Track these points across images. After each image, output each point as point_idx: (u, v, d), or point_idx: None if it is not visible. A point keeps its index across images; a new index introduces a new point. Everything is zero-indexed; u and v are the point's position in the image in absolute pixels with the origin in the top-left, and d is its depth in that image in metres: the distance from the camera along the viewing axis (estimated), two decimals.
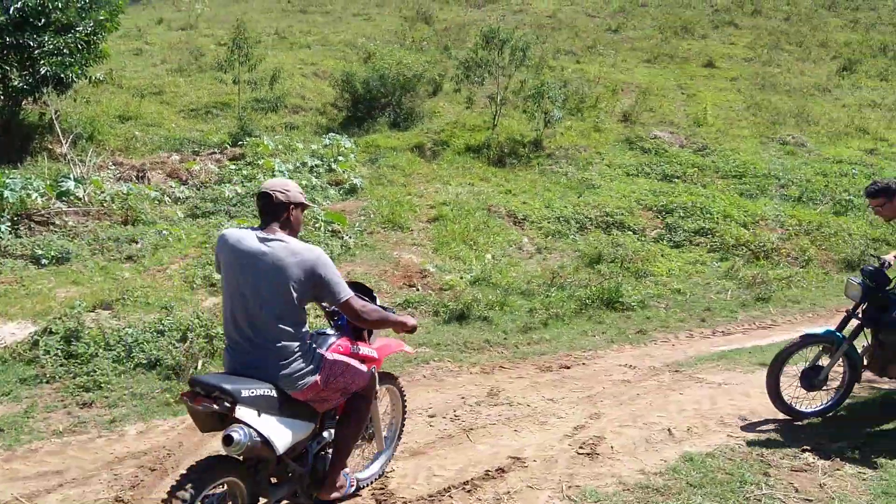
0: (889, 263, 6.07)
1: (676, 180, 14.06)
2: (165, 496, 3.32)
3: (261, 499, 3.81)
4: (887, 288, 5.92)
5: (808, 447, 5.44)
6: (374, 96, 15.65)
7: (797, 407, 5.97)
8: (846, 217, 12.91)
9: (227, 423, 3.53)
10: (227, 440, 3.44)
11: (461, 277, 9.58)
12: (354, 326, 4.35)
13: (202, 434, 4.75)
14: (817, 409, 6.00)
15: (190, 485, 3.36)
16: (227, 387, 3.50)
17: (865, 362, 6.13)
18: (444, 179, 13.14)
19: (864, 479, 5.00)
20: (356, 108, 15.78)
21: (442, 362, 7.33)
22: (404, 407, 5.11)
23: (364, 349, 4.39)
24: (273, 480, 3.96)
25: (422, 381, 6.85)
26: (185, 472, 3.45)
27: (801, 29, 23.75)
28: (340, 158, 12.80)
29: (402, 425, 5.13)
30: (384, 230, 10.86)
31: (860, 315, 6.00)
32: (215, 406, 3.47)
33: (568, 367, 7.28)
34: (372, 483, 4.77)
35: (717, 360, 7.44)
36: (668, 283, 9.90)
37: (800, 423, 5.91)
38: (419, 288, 9.21)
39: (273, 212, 3.86)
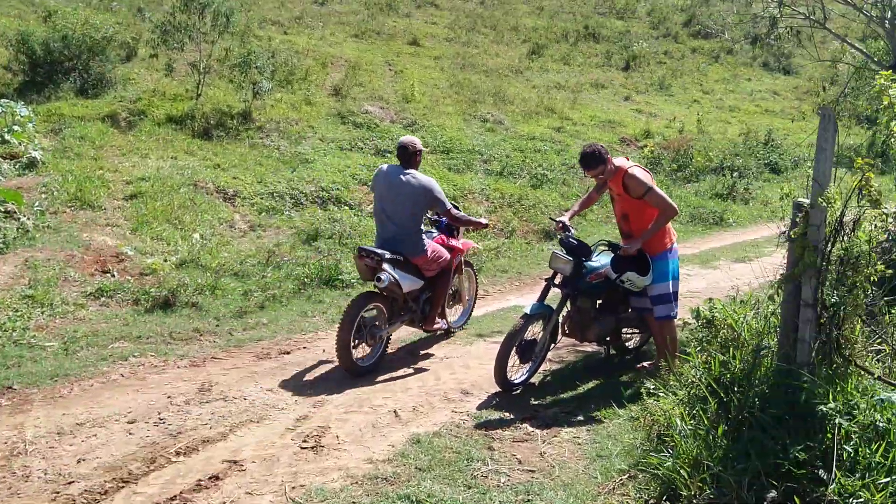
0: (565, 225, 6.27)
1: (389, 155, 13.90)
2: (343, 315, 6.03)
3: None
4: (588, 259, 6.07)
5: (528, 416, 5.41)
6: (57, 59, 13.69)
7: (510, 378, 5.96)
8: (542, 190, 13.58)
9: (377, 272, 6.12)
10: (378, 280, 6.13)
11: (165, 260, 8.59)
12: (449, 227, 7.13)
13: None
14: (523, 378, 6.03)
15: (356, 305, 6.16)
16: (378, 251, 6.20)
17: (567, 329, 6.28)
18: (142, 153, 11.82)
19: (579, 444, 5.05)
20: (35, 73, 13.73)
21: (144, 357, 6.42)
22: (477, 283, 8.03)
23: (453, 242, 7.07)
24: (401, 313, 6.57)
25: (119, 382, 5.92)
26: (352, 299, 6.37)
27: (494, 13, 24.81)
28: (16, 128, 10.99)
29: (476, 294, 7.95)
30: (71, 209, 9.46)
31: (559, 284, 6.12)
32: (370, 261, 6.16)
33: (288, 353, 6.72)
34: (457, 328, 7.45)
35: (439, 335, 7.31)
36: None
37: (516, 392, 5.89)
38: (115, 274, 8.10)
39: (408, 157, 6.56)
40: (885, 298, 4.65)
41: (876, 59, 7.30)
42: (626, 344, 6.75)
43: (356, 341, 6.12)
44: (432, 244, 6.64)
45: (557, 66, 22.49)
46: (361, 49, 20.12)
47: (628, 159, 6.07)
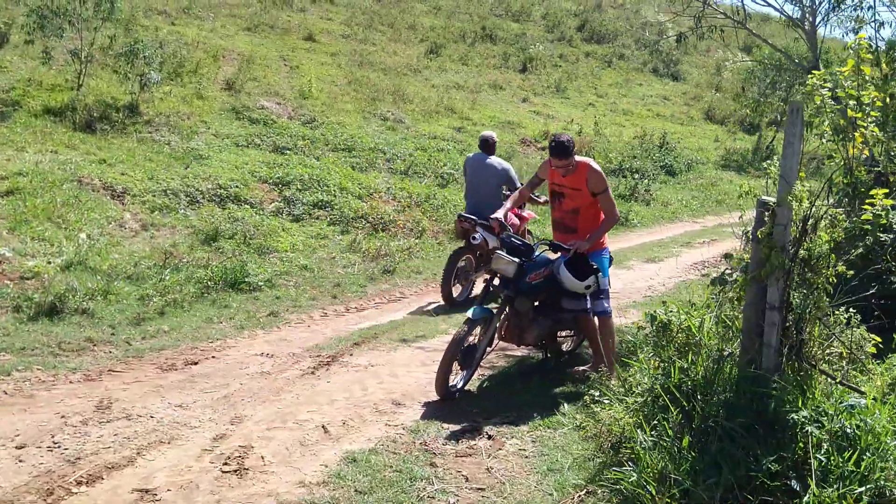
0: (502, 223, 6.04)
1: (288, 152, 13.27)
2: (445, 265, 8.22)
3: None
4: (530, 260, 5.78)
5: (466, 427, 5.03)
6: None
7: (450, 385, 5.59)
8: (448, 189, 13.28)
9: (471, 233, 7.97)
10: (473, 238, 7.89)
11: (49, 262, 7.73)
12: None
13: None
14: (460, 384, 5.67)
15: (453, 258, 8.34)
16: (473, 217, 8.11)
17: (504, 333, 5.96)
18: (18, 146, 10.75)
19: (526, 458, 4.70)
20: None
21: (30, 371, 5.65)
22: None
23: (523, 212, 8.89)
24: (482, 264, 8.08)
25: (2, 401, 5.16)
26: (450, 254, 8.54)
27: (391, 11, 24.39)
28: None
29: None
30: None
31: (499, 285, 5.80)
32: (467, 224, 8.13)
33: (196, 363, 6.08)
34: None
35: (358, 339, 6.82)
36: (294, 259, 9.09)
37: (451, 400, 5.50)
38: None
39: (489, 147, 8.79)
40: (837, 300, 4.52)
41: (797, 60, 7.32)
42: (561, 347, 6.48)
43: (454, 282, 8.23)
44: (506, 213, 7.23)
45: (456, 66, 22.30)
46: (255, 43, 19.29)
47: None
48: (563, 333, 6.38)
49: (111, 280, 7.56)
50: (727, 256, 7.11)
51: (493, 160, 8.65)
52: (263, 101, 15.46)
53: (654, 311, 4.58)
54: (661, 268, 10.34)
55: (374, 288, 8.69)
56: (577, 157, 5.74)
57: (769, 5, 6.88)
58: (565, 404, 5.32)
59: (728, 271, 6.80)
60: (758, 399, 3.84)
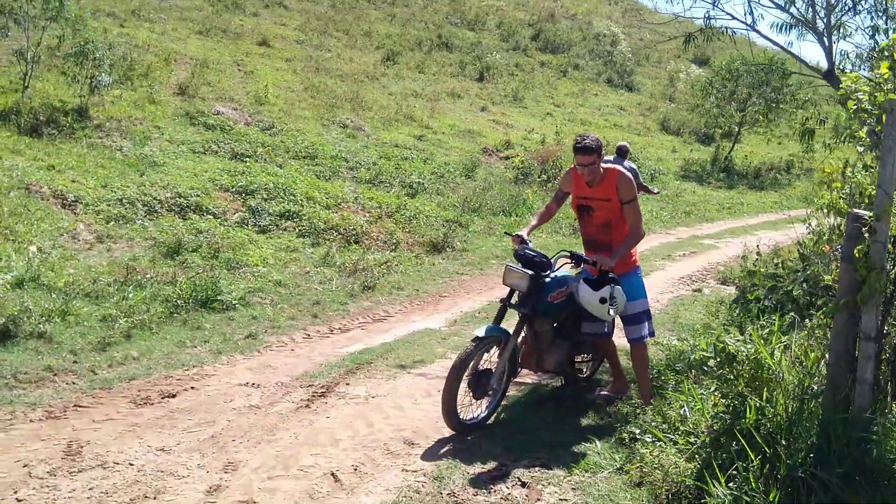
0: (522, 239, 5.42)
1: (248, 159, 12.50)
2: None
3: None
4: (549, 273, 5.22)
5: (495, 473, 4.41)
6: None
7: (462, 418, 4.95)
8: (418, 199, 12.68)
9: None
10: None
11: None
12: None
13: None
14: (479, 418, 5.05)
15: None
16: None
17: (520, 358, 5.39)
18: None
19: None
20: None
21: None
22: None
23: None
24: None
25: None
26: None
27: (346, 17, 23.69)
28: None
29: None
30: None
31: (516, 304, 5.22)
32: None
33: (173, 396, 5.32)
34: None
35: (351, 366, 6.14)
36: (267, 275, 8.34)
37: (469, 437, 4.88)
38: None
39: (623, 153, 10.33)
40: None
41: (810, 66, 6.94)
42: (578, 372, 5.92)
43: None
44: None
45: (413, 73, 21.73)
46: (207, 47, 18.40)
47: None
48: (581, 357, 5.83)
49: (69, 299, 6.72)
50: (751, 273, 6.71)
51: (626, 164, 9.62)
52: (219, 107, 14.64)
53: (722, 339, 4.01)
54: (650, 283, 9.86)
55: (356, 306, 8.01)
56: (604, 164, 5.21)
57: (777, 6, 6.49)
58: (597, 441, 4.75)
59: (752, 287, 6.37)
60: (854, 444, 3.32)
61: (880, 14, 6.26)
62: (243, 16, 21.63)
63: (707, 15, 6.71)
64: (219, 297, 7.30)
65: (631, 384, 5.59)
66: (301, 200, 10.92)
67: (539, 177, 15.25)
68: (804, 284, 5.48)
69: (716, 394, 3.97)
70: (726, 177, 19.94)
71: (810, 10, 6.57)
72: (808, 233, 9.77)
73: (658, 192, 12.89)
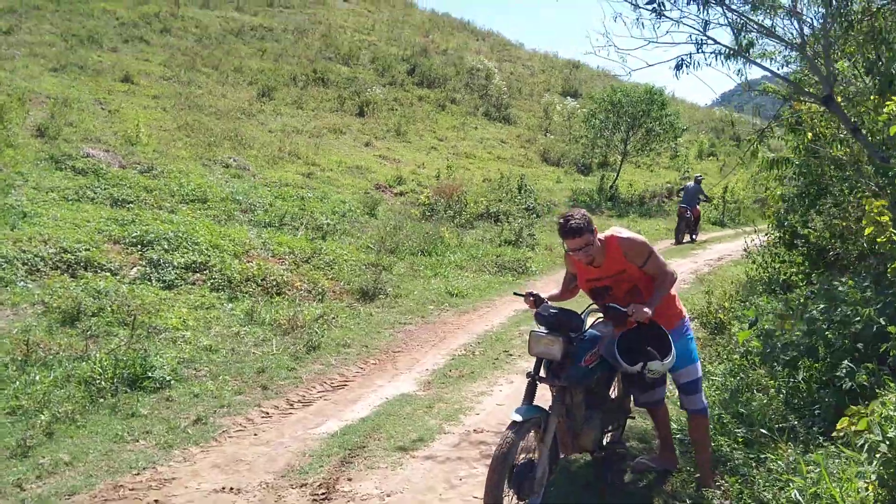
0: (537, 297, 4.45)
1: (132, 206, 10.91)
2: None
3: None
4: (579, 334, 4.24)
5: None
6: None
7: None
8: (329, 242, 11.48)
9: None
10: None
11: None
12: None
13: None
14: None
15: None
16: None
17: None
18: None
19: None
20: None
21: None
22: None
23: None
24: None
25: None
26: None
27: (214, 52, 22.10)
28: None
29: None
30: None
31: (547, 376, 4.22)
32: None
33: None
34: None
35: (341, 453, 4.91)
36: (193, 340, 6.94)
37: None
38: None
39: (698, 181, 17.39)
40: None
41: (806, 90, 6.44)
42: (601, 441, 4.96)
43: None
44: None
45: (290, 109, 20.50)
46: (64, 84, 16.44)
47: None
48: (610, 427, 4.87)
49: None
50: (781, 317, 6.01)
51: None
52: (87, 149, 12.89)
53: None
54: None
55: (306, 371, 6.75)
56: (600, 234, 4.30)
57: (764, 30, 5.95)
58: None
59: (781, 334, 5.66)
60: None
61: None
62: (101, 51, 19.67)
63: (699, 41, 6.07)
64: (149, 375, 5.86)
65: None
66: (206, 249, 9.49)
67: (445, 212, 14.39)
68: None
69: (872, 480, 3.10)
70: (613, 205, 19.88)
71: (798, 33, 6.05)
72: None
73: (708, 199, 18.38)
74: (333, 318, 8.27)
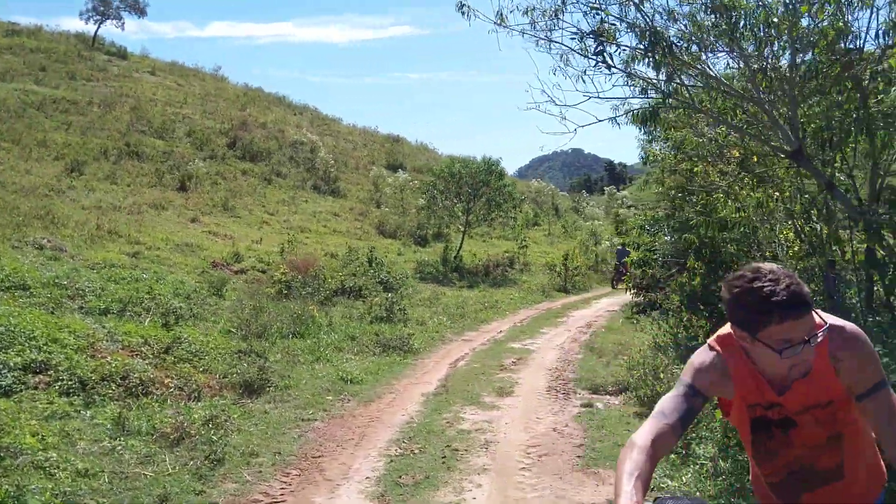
0: None
1: None
2: None
3: None
4: None
5: None
6: None
7: None
8: (184, 328, 9.82)
9: None
10: None
11: None
12: None
13: None
14: None
15: None
16: None
17: None
18: None
19: None
20: None
21: None
22: None
23: None
24: None
25: None
26: None
27: (14, 126, 19.41)
28: None
29: None
30: None
31: None
32: None
33: None
34: None
35: None
36: (61, 463, 5.20)
37: None
38: None
39: None
40: None
41: (774, 145, 6.07)
42: None
43: None
44: None
45: (104, 185, 18.31)
46: None
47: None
48: None
49: None
50: None
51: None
52: None
53: None
54: (516, 404, 8.30)
55: (220, 493, 5.22)
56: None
57: (726, 89, 5.54)
58: None
59: None
60: None
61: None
62: None
63: (667, 92, 5.57)
64: None
65: None
66: (44, 345, 7.62)
67: (303, 289, 13.06)
68: None
69: None
70: (460, 276, 19.39)
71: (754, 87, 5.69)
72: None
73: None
74: (226, 420, 6.76)
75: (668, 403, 2.21)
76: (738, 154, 7.20)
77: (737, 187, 7.04)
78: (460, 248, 21.00)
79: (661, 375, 7.54)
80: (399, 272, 16.89)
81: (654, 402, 6.98)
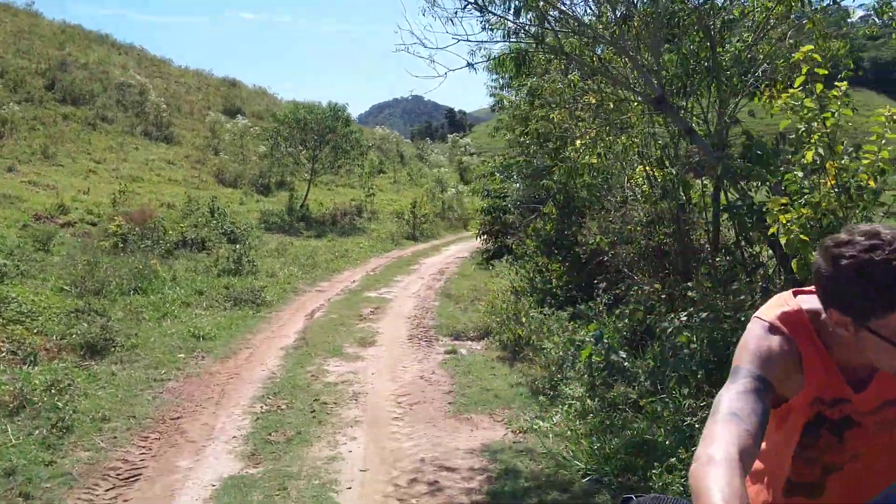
0: None
1: None
2: None
3: None
4: None
5: None
6: None
7: None
8: (10, 286, 8.92)
9: None
10: None
11: None
12: None
13: None
14: None
15: None
16: None
17: None
18: None
19: None
20: None
21: None
22: None
23: None
24: None
25: None
26: None
27: None
28: None
29: None
30: None
31: None
32: None
33: None
34: None
35: None
36: None
37: None
38: None
39: None
40: None
41: (638, 91, 6.11)
42: None
43: None
44: None
45: None
46: None
47: None
48: None
49: None
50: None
51: None
52: None
53: None
54: (380, 354, 8.18)
55: (73, 462, 4.72)
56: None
57: (595, 35, 5.45)
58: None
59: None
60: None
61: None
62: None
63: (538, 36, 5.49)
64: None
65: None
66: None
67: (141, 243, 12.20)
68: None
69: None
70: (307, 226, 18.91)
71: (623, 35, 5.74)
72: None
73: None
74: (69, 384, 6.18)
75: (738, 402, 1.58)
76: (594, 101, 7.31)
77: (603, 134, 7.15)
78: (306, 196, 20.46)
79: (524, 320, 7.66)
80: (243, 223, 16.22)
81: (516, 347, 7.04)
